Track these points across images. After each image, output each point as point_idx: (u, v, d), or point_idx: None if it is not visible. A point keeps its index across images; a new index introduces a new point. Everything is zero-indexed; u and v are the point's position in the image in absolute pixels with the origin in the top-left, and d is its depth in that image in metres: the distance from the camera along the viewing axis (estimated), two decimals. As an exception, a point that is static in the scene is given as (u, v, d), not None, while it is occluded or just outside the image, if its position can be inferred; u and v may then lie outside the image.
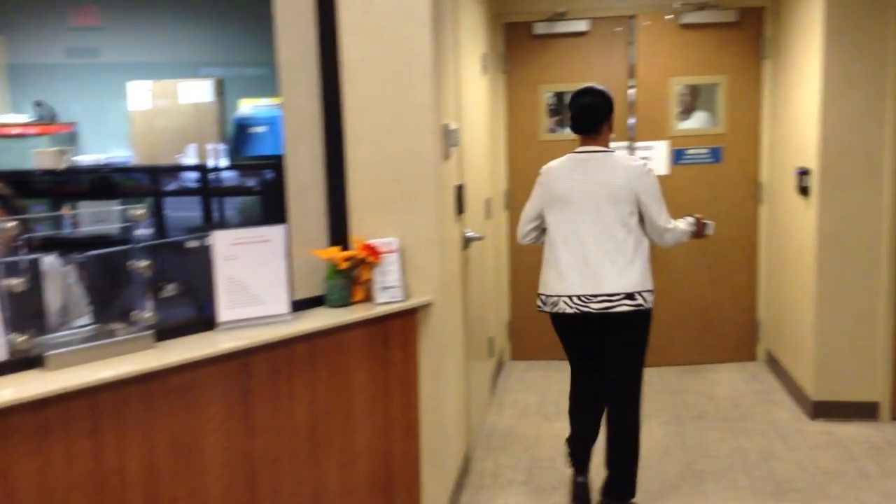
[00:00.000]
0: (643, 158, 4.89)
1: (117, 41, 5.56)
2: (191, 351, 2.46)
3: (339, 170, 3.07)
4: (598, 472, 3.53)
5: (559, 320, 3.40)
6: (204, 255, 2.69)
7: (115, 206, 4.13)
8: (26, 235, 2.53)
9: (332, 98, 3.05)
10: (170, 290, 2.75)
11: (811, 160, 4.41)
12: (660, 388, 5.04)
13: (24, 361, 2.30)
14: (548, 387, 5.16)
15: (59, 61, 5.59)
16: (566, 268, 3.28)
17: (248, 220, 5.06)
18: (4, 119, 5.40)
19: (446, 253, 3.27)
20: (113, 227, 2.88)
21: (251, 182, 5.22)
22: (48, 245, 2.86)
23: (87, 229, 4.48)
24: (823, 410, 4.45)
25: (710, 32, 5.30)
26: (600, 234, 3.23)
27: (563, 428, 4.45)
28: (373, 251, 2.98)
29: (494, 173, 5.38)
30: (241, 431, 2.61)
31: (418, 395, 3.17)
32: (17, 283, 2.31)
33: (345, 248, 3.03)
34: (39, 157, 5.23)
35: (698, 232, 3.44)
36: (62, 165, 5.21)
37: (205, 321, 2.69)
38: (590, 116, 3.31)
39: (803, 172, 4.51)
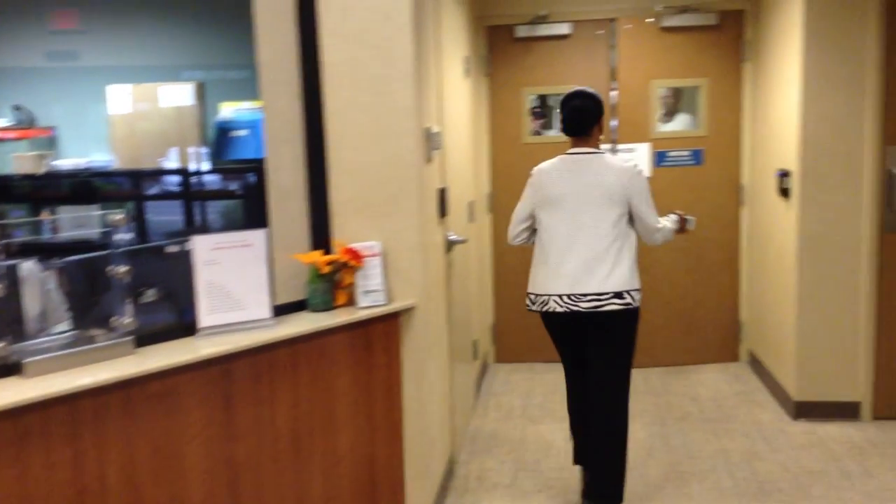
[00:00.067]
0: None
1: (97, 44, 5.53)
2: (171, 357, 2.44)
3: (321, 173, 3.06)
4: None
5: (549, 319, 3.43)
6: (184, 259, 2.67)
7: (95, 211, 4.10)
8: (4, 241, 2.50)
9: (314, 101, 3.03)
10: (150, 295, 2.73)
11: (791, 162, 4.44)
12: (643, 389, 5.05)
13: (1, 369, 2.27)
14: (532, 389, 5.17)
15: (39, 65, 5.54)
16: (556, 267, 3.31)
17: (230, 224, 5.04)
18: (-17, 123, 5.35)
19: (429, 256, 3.26)
20: (93, 232, 2.86)
21: (233, 186, 5.19)
22: (27, 250, 2.83)
23: (66, 234, 4.44)
24: (806, 411, 4.48)
25: (691, 35, 5.32)
26: (590, 234, 3.27)
27: (548, 430, 4.47)
28: (355, 255, 2.97)
29: (477, 176, 5.38)
30: (222, 437, 2.59)
31: (402, 399, 3.16)
32: (-6, 289, 2.28)
33: (327, 252, 3.02)
34: (18, 161, 5.19)
35: (681, 227, 3.54)
36: (41, 170, 5.17)
37: (185, 327, 2.67)
38: (580, 119, 3.36)
39: (784, 174, 4.54)
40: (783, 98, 4.61)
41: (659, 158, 5.39)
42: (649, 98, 5.37)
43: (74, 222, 4.37)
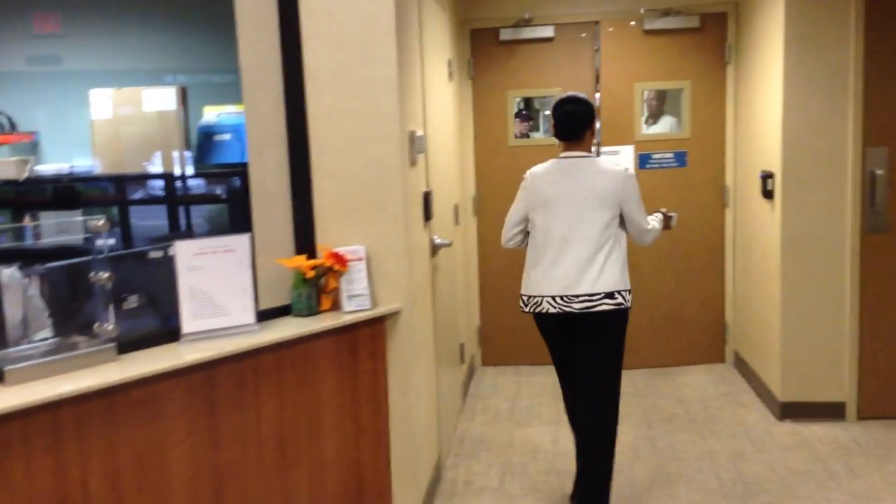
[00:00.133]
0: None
1: (79, 48, 5.49)
2: (154, 363, 2.42)
3: (305, 177, 3.05)
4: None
5: (543, 321, 3.45)
6: (167, 265, 2.65)
7: (77, 217, 4.07)
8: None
9: (297, 105, 3.02)
10: (132, 301, 2.71)
11: (774, 164, 4.46)
12: (630, 391, 5.06)
13: (-18, 377, 2.25)
14: (519, 392, 5.16)
15: (20, 69, 5.50)
16: (549, 269, 3.33)
17: (216, 229, 5.02)
18: (-36, 129, 5.30)
19: (414, 260, 3.26)
20: (76, 237, 2.84)
21: (218, 190, 5.17)
22: (9, 256, 2.81)
23: (49, 240, 4.41)
24: (791, 411, 4.49)
25: (674, 38, 5.34)
26: (583, 236, 3.30)
27: (535, 433, 4.47)
28: (339, 259, 2.96)
29: (463, 179, 5.38)
30: (207, 444, 2.57)
31: (388, 404, 3.15)
32: (-26, 296, 2.26)
33: (311, 256, 3.01)
34: (0, 166, 5.14)
35: (666, 224, 3.65)
36: (23, 175, 5.12)
37: (169, 333, 2.65)
38: (572, 124, 3.40)
39: (767, 176, 4.56)
40: (765, 100, 4.63)
41: (643, 160, 5.41)
42: (633, 100, 5.38)
43: (57, 228, 4.33)
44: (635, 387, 5.16)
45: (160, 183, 5.15)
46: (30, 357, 2.33)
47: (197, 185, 5.22)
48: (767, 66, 4.59)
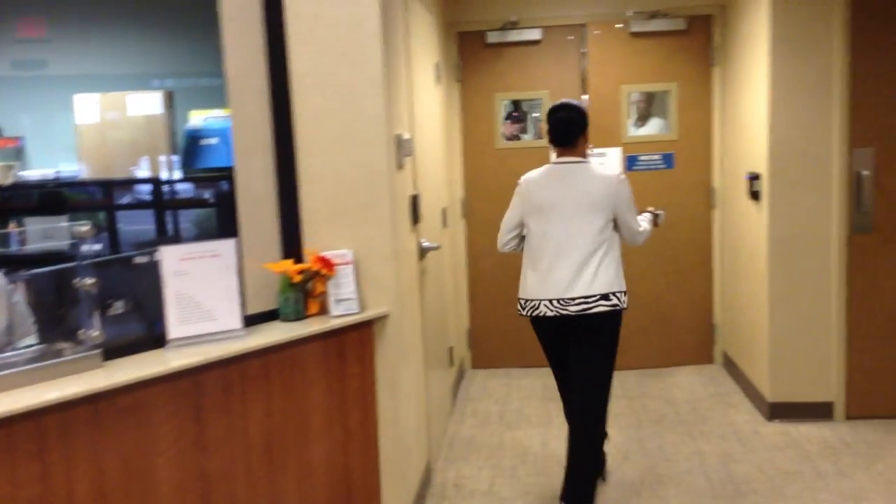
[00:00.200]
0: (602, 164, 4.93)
1: (64, 53, 5.45)
2: (140, 369, 2.40)
3: (291, 182, 3.04)
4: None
5: (540, 324, 3.49)
6: (153, 270, 2.64)
7: (63, 222, 4.04)
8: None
9: (283, 109, 3.02)
10: (118, 307, 2.70)
11: (761, 165, 4.47)
12: (619, 392, 5.06)
13: (-34, 384, 2.23)
14: (509, 395, 5.16)
15: (5, 74, 5.46)
16: (546, 273, 3.37)
17: (203, 233, 4.99)
18: (-53, 134, 5.27)
19: (402, 263, 3.25)
20: (62, 243, 2.82)
21: (205, 194, 5.14)
22: (-6, 263, 2.79)
23: (34, 246, 4.38)
24: (780, 412, 4.51)
25: (660, 40, 5.36)
26: (578, 241, 3.35)
27: (525, 436, 4.46)
28: (327, 263, 2.95)
29: (451, 182, 5.38)
30: (194, 450, 2.56)
31: (376, 408, 3.14)
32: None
33: (298, 260, 3.00)
34: (-16, 172, 5.10)
35: (654, 223, 3.78)
36: (8, 181, 5.08)
37: (155, 338, 2.64)
38: (566, 130, 3.46)
39: (754, 177, 4.57)
40: (752, 102, 4.65)
41: (630, 162, 5.42)
42: (620, 102, 5.40)
43: (42, 234, 4.30)
44: (625, 388, 5.16)
45: (147, 187, 5.12)
46: (15, 364, 2.32)
47: (184, 189, 5.19)
48: (753, 68, 4.60)
